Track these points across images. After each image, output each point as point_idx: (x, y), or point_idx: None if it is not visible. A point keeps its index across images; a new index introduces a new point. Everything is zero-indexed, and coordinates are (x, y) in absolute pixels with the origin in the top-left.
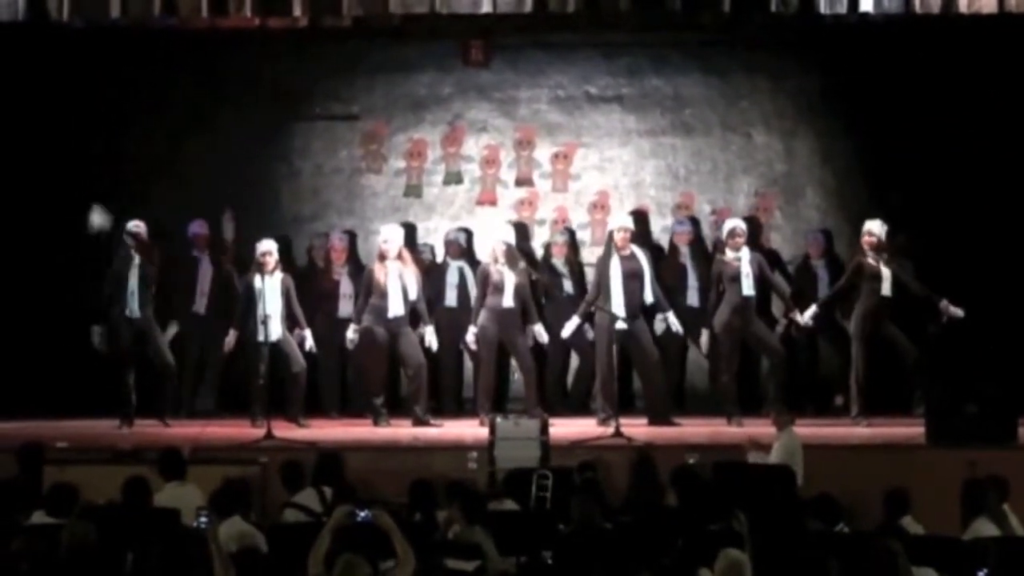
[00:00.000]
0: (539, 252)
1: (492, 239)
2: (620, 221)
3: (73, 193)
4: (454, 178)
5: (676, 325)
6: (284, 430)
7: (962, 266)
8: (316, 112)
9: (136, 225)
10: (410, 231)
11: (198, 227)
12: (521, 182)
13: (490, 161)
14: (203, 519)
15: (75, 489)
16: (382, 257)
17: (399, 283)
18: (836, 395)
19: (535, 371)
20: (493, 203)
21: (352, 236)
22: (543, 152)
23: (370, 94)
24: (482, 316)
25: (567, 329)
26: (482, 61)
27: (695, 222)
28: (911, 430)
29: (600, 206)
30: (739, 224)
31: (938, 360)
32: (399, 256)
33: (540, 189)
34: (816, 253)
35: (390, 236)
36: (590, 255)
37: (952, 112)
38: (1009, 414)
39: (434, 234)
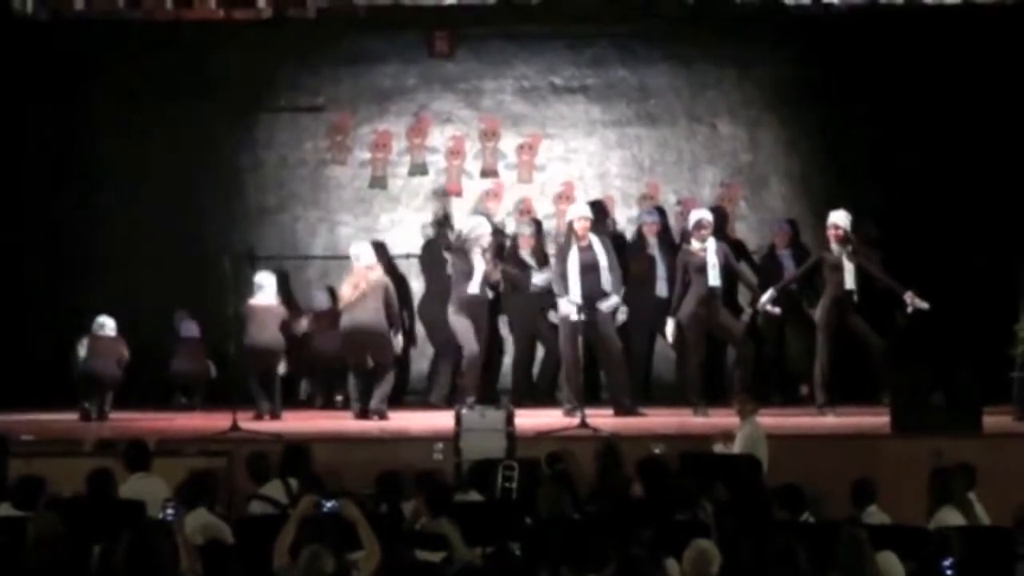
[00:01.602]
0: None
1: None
2: (579, 210)
3: (38, 186)
4: (419, 169)
5: (613, 308)
6: (250, 422)
7: (929, 255)
8: (281, 104)
9: None
10: None
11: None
12: (486, 173)
13: (455, 152)
14: (169, 511)
15: (42, 481)
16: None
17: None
18: (802, 385)
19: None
20: (459, 194)
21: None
22: (508, 143)
23: (335, 85)
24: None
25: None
26: (447, 52)
27: (662, 212)
28: (877, 419)
29: (565, 197)
30: (705, 215)
31: (904, 350)
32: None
33: (505, 180)
34: (782, 243)
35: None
36: (553, 242)
37: (917, 102)
38: (975, 403)
39: (399, 226)
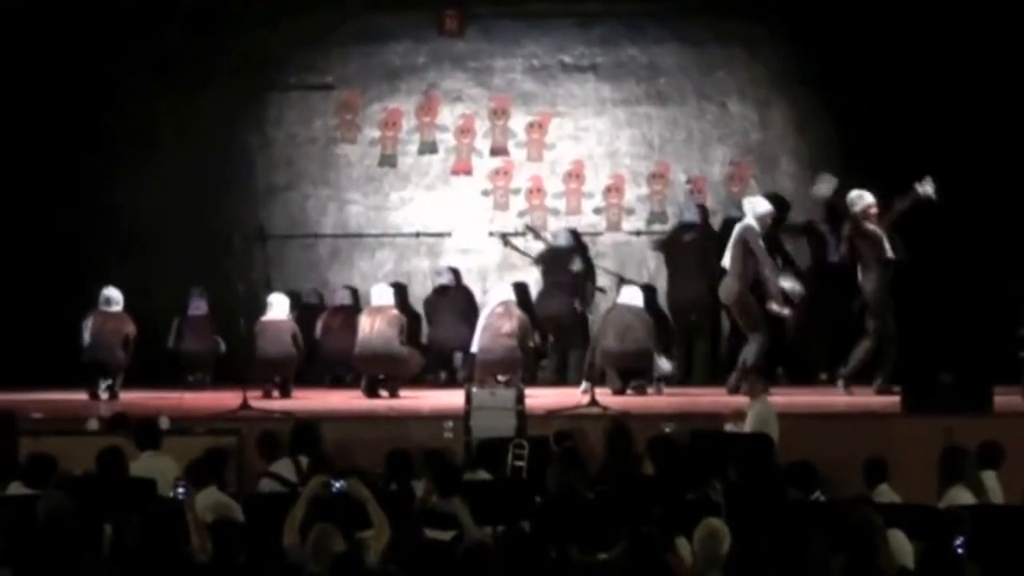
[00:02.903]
0: (515, 222)
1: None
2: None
3: (44, 165)
4: (429, 148)
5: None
6: (260, 400)
7: (938, 234)
8: (291, 82)
9: None
10: None
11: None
12: (496, 152)
13: (465, 131)
14: (180, 490)
15: (52, 459)
16: None
17: None
18: (819, 372)
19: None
20: (468, 172)
21: None
22: (518, 121)
23: (345, 64)
24: None
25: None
26: (457, 31)
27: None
28: (887, 399)
29: (575, 175)
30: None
31: (914, 329)
32: None
33: (515, 159)
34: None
35: None
36: (566, 224)
37: (927, 81)
38: (985, 382)
39: (408, 204)
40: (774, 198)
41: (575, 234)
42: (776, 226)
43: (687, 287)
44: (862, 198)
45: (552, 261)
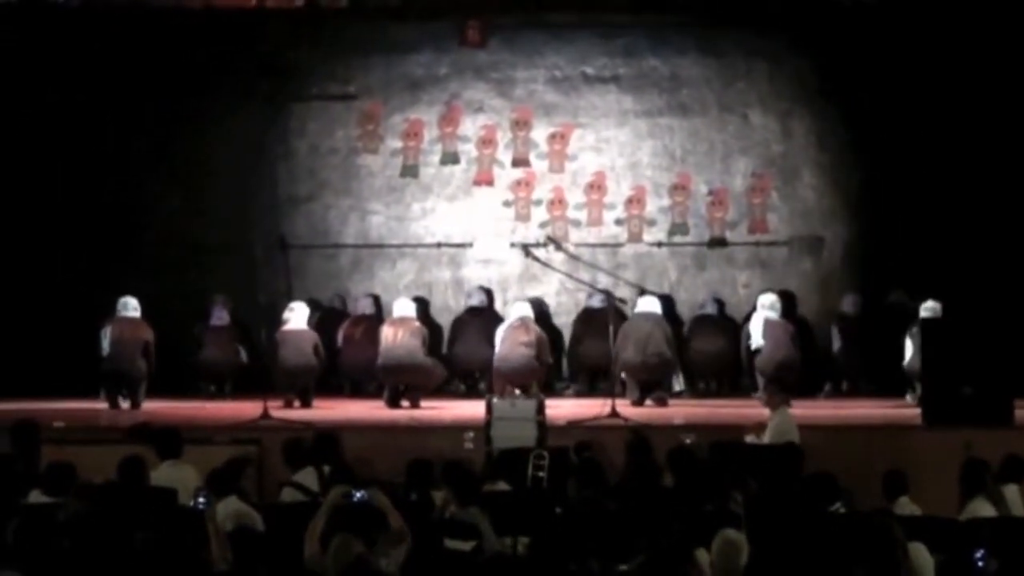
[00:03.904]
0: (536, 232)
1: None
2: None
3: (68, 175)
4: (451, 158)
5: None
6: (281, 410)
7: (960, 245)
8: (313, 92)
9: None
10: None
11: None
12: (518, 163)
13: (487, 141)
14: (201, 499)
15: (72, 467)
16: None
17: None
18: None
19: None
20: (490, 183)
21: None
22: (540, 132)
23: (367, 74)
24: None
25: None
26: (479, 41)
27: None
28: (908, 411)
29: (596, 187)
30: None
31: (935, 342)
32: None
33: (537, 170)
34: None
35: None
36: (587, 235)
37: (949, 94)
38: (1005, 395)
39: (430, 215)
40: None
41: None
42: None
43: None
44: None
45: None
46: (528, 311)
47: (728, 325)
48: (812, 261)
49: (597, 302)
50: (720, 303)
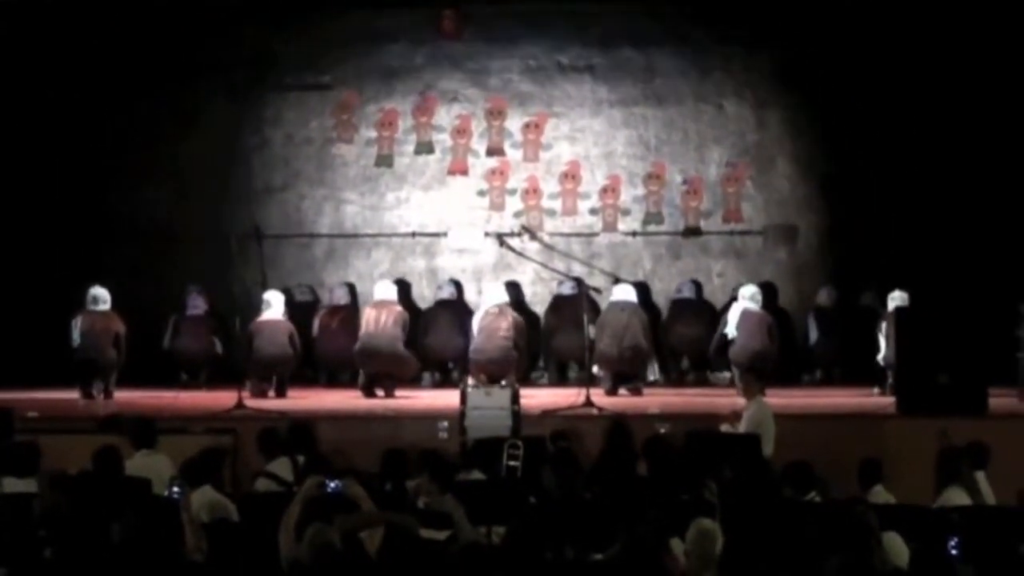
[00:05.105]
0: (511, 222)
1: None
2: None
3: (41, 166)
4: (425, 148)
5: None
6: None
7: (935, 235)
8: (288, 82)
9: None
10: None
11: None
12: (492, 152)
13: (461, 131)
14: (175, 489)
15: (36, 446)
16: None
17: None
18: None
19: None
20: (464, 173)
21: None
22: (514, 122)
23: (342, 64)
24: None
25: None
26: (454, 31)
27: None
28: (884, 400)
29: (571, 176)
30: None
31: (910, 330)
32: None
33: (511, 159)
34: None
35: None
36: (561, 225)
37: (923, 84)
38: (981, 384)
39: (405, 204)
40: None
41: None
42: None
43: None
44: None
45: None
46: (504, 296)
47: (707, 308)
48: (787, 250)
49: (568, 289)
50: (698, 284)
